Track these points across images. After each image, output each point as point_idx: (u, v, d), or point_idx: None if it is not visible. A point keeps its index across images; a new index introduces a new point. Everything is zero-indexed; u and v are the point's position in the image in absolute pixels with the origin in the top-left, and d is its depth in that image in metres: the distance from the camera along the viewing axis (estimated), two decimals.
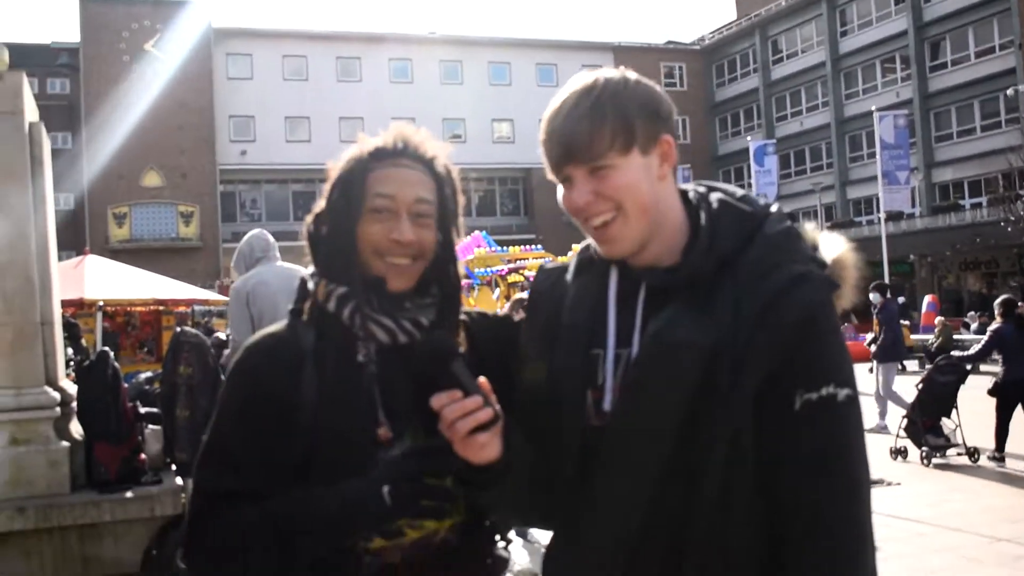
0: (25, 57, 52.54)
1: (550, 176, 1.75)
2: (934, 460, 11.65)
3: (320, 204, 1.89)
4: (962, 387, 12.01)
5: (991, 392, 11.59)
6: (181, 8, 52.24)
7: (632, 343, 1.68)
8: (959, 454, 11.70)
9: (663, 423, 1.60)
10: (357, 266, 1.79)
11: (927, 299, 35.80)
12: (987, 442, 11.60)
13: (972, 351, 12.68)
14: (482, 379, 1.60)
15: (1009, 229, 32.77)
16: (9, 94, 6.56)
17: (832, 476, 1.58)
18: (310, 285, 1.86)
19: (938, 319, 29.08)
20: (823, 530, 1.57)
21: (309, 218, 1.91)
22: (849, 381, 1.62)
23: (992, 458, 11.43)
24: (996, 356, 11.99)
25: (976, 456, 11.60)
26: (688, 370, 1.58)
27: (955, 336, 27.72)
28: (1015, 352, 11.49)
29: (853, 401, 1.61)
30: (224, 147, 53.19)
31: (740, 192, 1.79)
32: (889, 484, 10.50)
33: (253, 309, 6.17)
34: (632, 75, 1.75)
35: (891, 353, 14.37)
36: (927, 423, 11.77)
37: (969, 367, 12.41)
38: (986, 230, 39.13)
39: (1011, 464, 11.35)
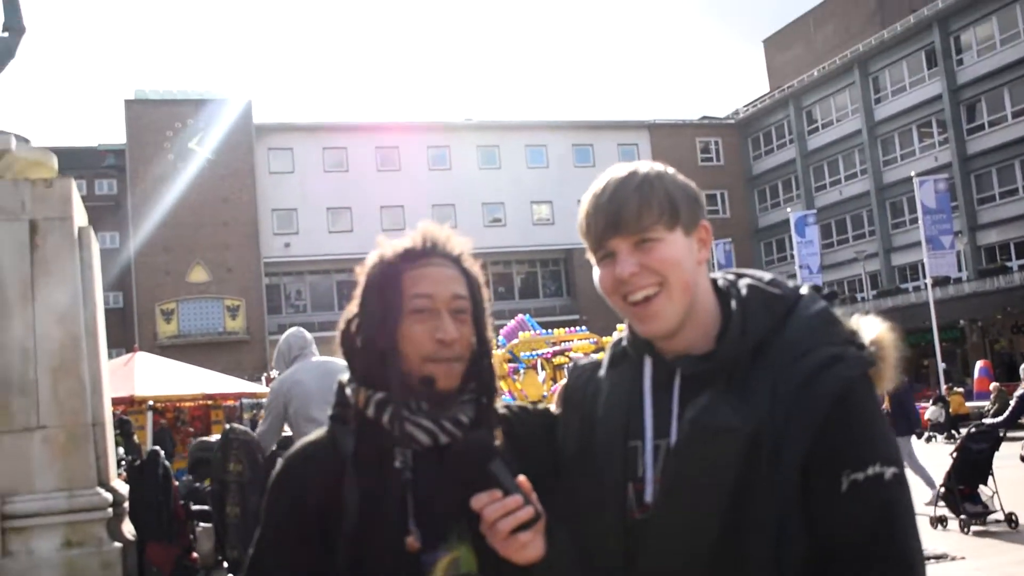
0: (73, 160, 53.87)
1: (589, 255, 1.76)
2: (973, 528, 11.59)
3: (351, 310, 1.88)
4: (996, 454, 12.08)
5: None
6: (223, 105, 53.39)
7: (670, 433, 1.67)
8: (997, 521, 11.69)
9: (707, 511, 1.58)
10: (399, 371, 1.77)
11: (979, 364, 35.22)
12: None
13: (1002, 417, 12.87)
14: (522, 478, 1.59)
15: None
16: (59, 200, 6.72)
17: (886, 558, 1.54)
18: (348, 391, 1.84)
19: (993, 385, 28.57)
20: None
21: (341, 323, 1.89)
22: (895, 459, 1.60)
23: None
24: None
25: (1015, 522, 11.56)
26: (729, 455, 1.57)
27: (1011, 401, 27.16)
28: None
29: (900, 479, 1.59)
30: (268, 240, 53.88)
31: (768, 276, 1.80)
32: (953, 559, 10.23)
33: (290, 409, 6.28)
34: (668, 167, 1.78)
35: (902, 427, 13.88)
36: (964, 491, 11.76)
37: (1002, 433, 12.42)
38: None
39: None
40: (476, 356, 1.84)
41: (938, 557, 10.25)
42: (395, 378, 1.76)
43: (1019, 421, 12.64)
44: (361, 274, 1.88)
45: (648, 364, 1.76)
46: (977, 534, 11.45)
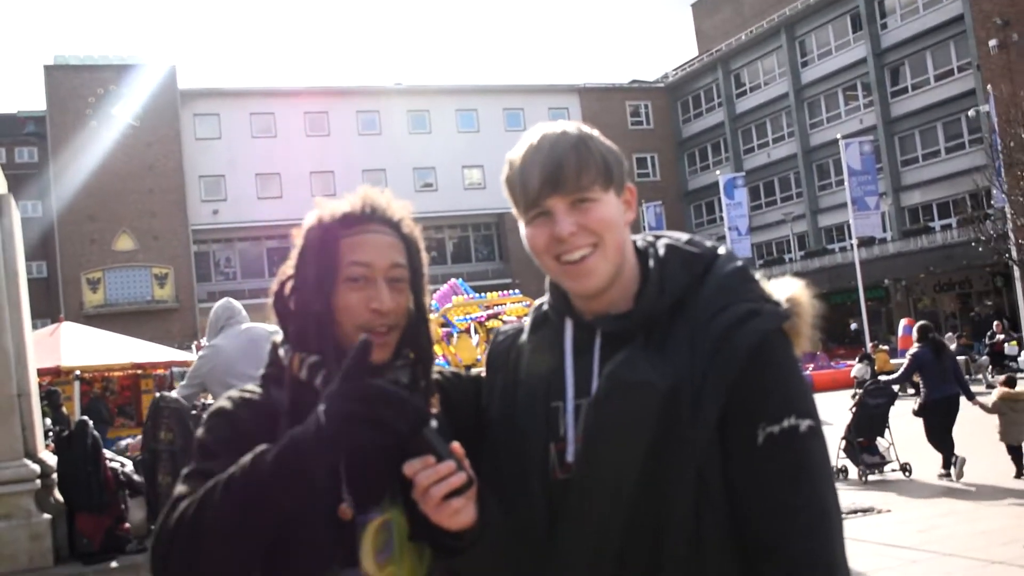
0: None
1: (516, 212, 1.74)
2: (870, 476, 12.64)
3: (286, 272, 1.85)
4: (892, 410, 13.11)
5: (916, 412, 12.70)
6: (146, 71, 52.33)
7: (591, 392, 1.67)
8: (893, 470, 12.77)
9: (626, 466, 1.59)
10: (333, 337, 1.74)
11: (903, 323, 35.99)
12: (920, 458, 12.71)
13: (896, 374, 13.67)
14: (455, 444, 1.57)
15: (980, 249, 33.04)
16: None
17: (800, 509, 1.56)
18: (281, 352, 1.82)
19: None
20: (794, 564, 1.55)
21: (274, 286, 1.86)
22: (810, 412, 1.62)
23: (942, 476, 12.19)
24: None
25: (909, 471, 12.59)
26: (647, 408, 1.58)
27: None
28: (932, 374, 12.46)
29: (815, 432, 1.61)
30: (195, 207, 53.14)
31: (686, 236, 1.81)
32: (879, 512, 10.49)
33: (210, 375, 6.45)
34: (593, 130, 1.77)
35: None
36: (863, 443, 12.75)
37: (897, 389, 13.60)
38: (958, 251, 39.49)
39: (996, 486, 11.39)
40: (414, 322, 1.82)
41: (865, 510, 10.51)
42: (329, 344, 1.73)
43: (912, 378, 13.47)
44: (298, 236, 1.84)
45: (569, 326, 1.77)
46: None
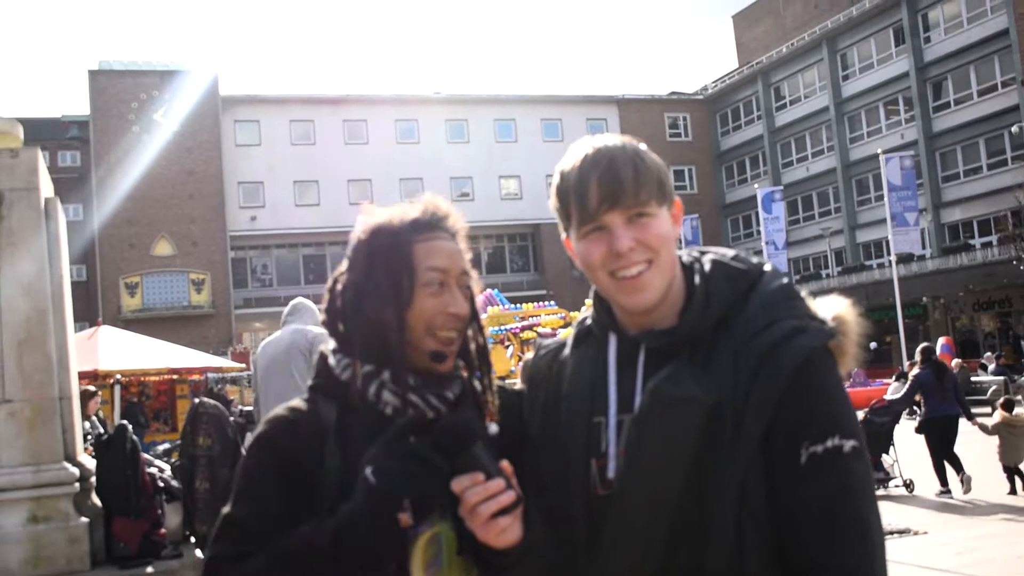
0: (36, 131, 53.15)
1: (566, 226, 1.74)
2: (877, 492, 12.67)
3: (346, 276, 1.81)
4: (897, 427, 13.70)
5: (917, 430, 13.41)
6: (189, 77, 52.82)
7: (634, 407, 1.66)
8: (896, 486, 13.24)
9: (668, 481, 1.58)
10: (403, 344, 1.73)
11: (941, 341, 35.52)
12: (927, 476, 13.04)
13: (900, 395, 14.29)
14: (504, 462, 1.58)
15: (1022, 267, 32.65)
16: (25, 171, 6.62)
17: (843, 529, 1.56)
18: (331, 361, 1.79)
19: (955, 361, 28.89)
20: None
21: (328, 292, 1.83)
22: (854, 432, 1.61)
23: (939, 494, 12.63)
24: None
25: (912, 487, 13.09)
26: (690, 424, 1.57)
27: (973, 378, 27.54)
28: (934, 395, 12.99)
29: (859, 452, 1.60)
30: (234, 213, 53.50)
31: (732, 252, 1.80)
32: (916, 533, 10.37)
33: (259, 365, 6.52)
34: (641, 143, 1.77)
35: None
36: (871, 460, 12.73)
37: (902, 409, 14.28)
38: (998, 269, 39.03)
39: None
40: (469, 333, 1.83)
41: (901, 532, 10.40)
42: (399, 351, 1.72)
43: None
44: (361, 241, 1.81)
45: (613, 340, 1.76)
46: (937, 507, 11.98)
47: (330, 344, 1.84)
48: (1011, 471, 12.35)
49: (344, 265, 1.84)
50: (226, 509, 1.73)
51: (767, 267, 1.77)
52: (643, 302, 1.70)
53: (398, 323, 1.72)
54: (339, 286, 1.83)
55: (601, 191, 1.67)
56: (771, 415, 1.57)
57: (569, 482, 1.70)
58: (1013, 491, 12.27)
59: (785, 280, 1.73)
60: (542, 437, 1.78)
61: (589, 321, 1.85)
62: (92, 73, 52.23)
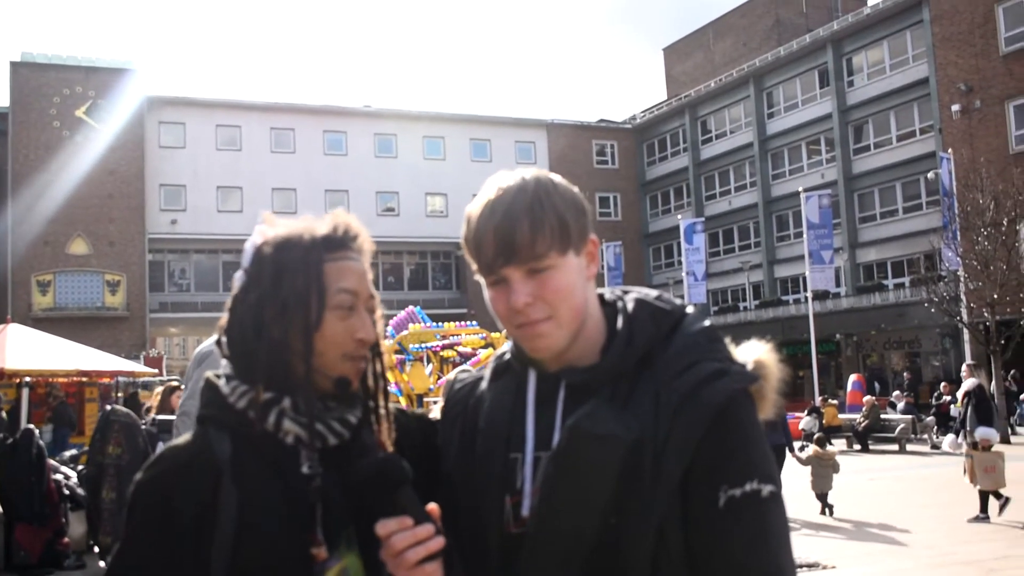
0: None
1: (477, 276, 1.69)
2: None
3: (243, 293, 1.71)
4: None
5: None
6: (114, 75, 51.82)
7: (552, 445, 1.63)
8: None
9: (584, 521, 1.56)
10: (310, 369, 1.66)
11: (852, 378, 36.39)
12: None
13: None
14: (432, 506, 1.54)
15: (932, 310, 33.52)
16: None
17: (758, 572, 1.55)
18: (224, 389, 1.69)
19: (866, 398, 29.52)
20: None
21: (231, 311, 1.73)
22: (772, 477, 1.60)
23: None
24: None
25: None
26: (609, 462, 1.55)
27: (881, 416, 28.14)
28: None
29: (776, 497, 1.60)
30: (154, 215, 52.57)
31: (655, 292, 1.79)
32: (824, 567, 10.53)
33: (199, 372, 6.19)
34: (554, 176, 1.72)
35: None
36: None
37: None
38: (910, 310, 40.01)
39: (947, 549, 11.49)
40: (370, 355, 1.78)
41: (810, 566, 10.54)
42: (302, 377, 1.65)
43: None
44: (265, 254, 1.70)
45: (532, 376, 1.74)
46: (851, 538, 12.37)
47: (220, 369, 1.74)
48: (822, 497, 14.23)
49: (241, 279, 1.74)
50: (108, 567, 1.65)
51: (689, 308, 1.76)
52: (543, 351, 1.68)
53: (305, 347, 1.65)
54: (239, 304, 1.72)
55: (496, 246, 1.63)
56: (691, 457, 1.56)
57: (483, 518, 1.67)
58: (823, 513, 14.06)
59: (707, 322, 1.73)
60: (457, 472, 1.75)
61: (508, 356, 1.82)
62: (13, 64, 50.94)
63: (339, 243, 1.73)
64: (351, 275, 1.71)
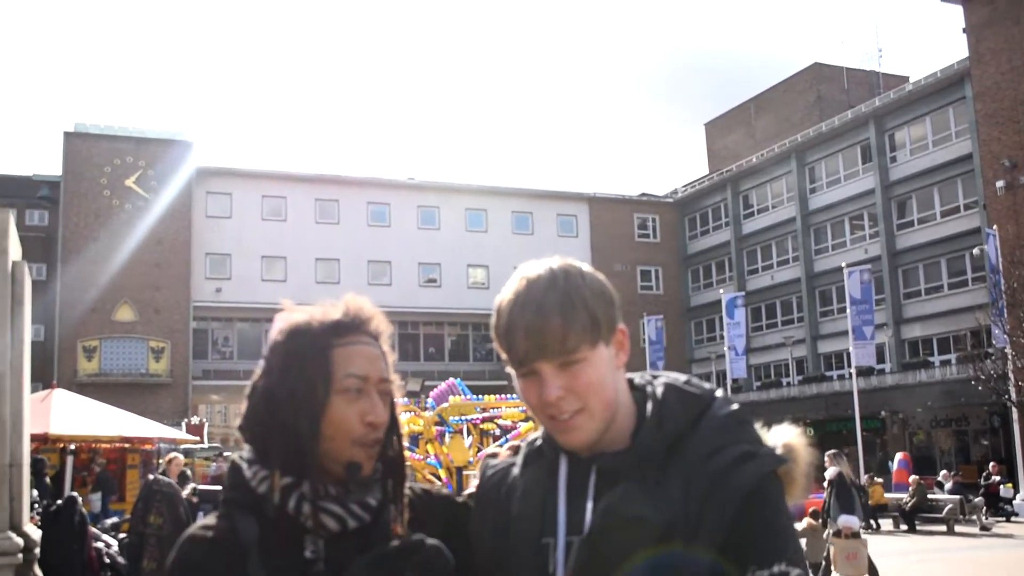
0: (5, 188, 53.06)
1: (509, 368, 1.71)
2: None
3: (259, 380, 1.75)
4: None
5: None
6: (164, 146, 52.93)
7: (584, 529, 1.64)
8: None
9: None
10: (316, 454, 1.68)
11: (898, 457, 35.75)
12: None
13: None
14: None
15: (980, 388, 32.99)
16: None
17: None
18: (247, 472, 1.72)
19: (912, 477, 28.99)
20: None
21: (249, 397, 1.76)
22: (799, 560, 1.60)
23: None
24: None
25: None
26: (641, 545, 1.56)
27: (929, 495, 27.60)
28: None
29: None
30: (199, 284, 53.22)
31: (684, 377, 1.81)
32: None
33: None
34: (582, 265, 1.74)
35: None
36: None
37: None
38: (956, 387, 39.39)
39: None
40: (386, 437, 1.78)
41: None
42: (313, 461, 1.67)
43: None
44: (277, 343, 1.75)
45: (564, 461, 1.75)
46: None
47: (244, 454, 1.77)
48: (815, 566, 14.35)
49: (260, 368, 1.77)
50: None
51: (718, 393, 1.77)
52: (575, 442, 1.69)
53: (311, 431, 1.67)
54: (256, 391, 1.75)
55: (527, 342, 1.65)
56: (723, 539, 1.56)
57: None
58: None
59: (736, 406, 1.74)
60: (491, 558, 1.75)
61: (539, 442, 1.83)
62: (67, 135, 52.22)
63: (348, 328, 1.75)
64: (360, 359, 1.73)
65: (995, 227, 35.38)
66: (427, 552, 1.67)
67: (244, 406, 1.77)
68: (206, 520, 1.71)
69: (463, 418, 20.73)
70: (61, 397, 19.37)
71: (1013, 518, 28.88)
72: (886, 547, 13.09)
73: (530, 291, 1.67)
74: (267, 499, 1.67)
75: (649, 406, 1.73)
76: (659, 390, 1.75)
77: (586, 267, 1.74)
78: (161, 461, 28.10)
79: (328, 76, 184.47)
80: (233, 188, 54.86)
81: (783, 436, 1.75)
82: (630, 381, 1.80)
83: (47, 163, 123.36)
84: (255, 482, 1.70)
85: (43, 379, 37.93)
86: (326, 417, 1.67)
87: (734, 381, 46.56)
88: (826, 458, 18.25)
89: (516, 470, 1.85)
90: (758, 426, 1.75)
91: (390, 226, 56.82)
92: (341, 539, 1.67)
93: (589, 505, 1.66)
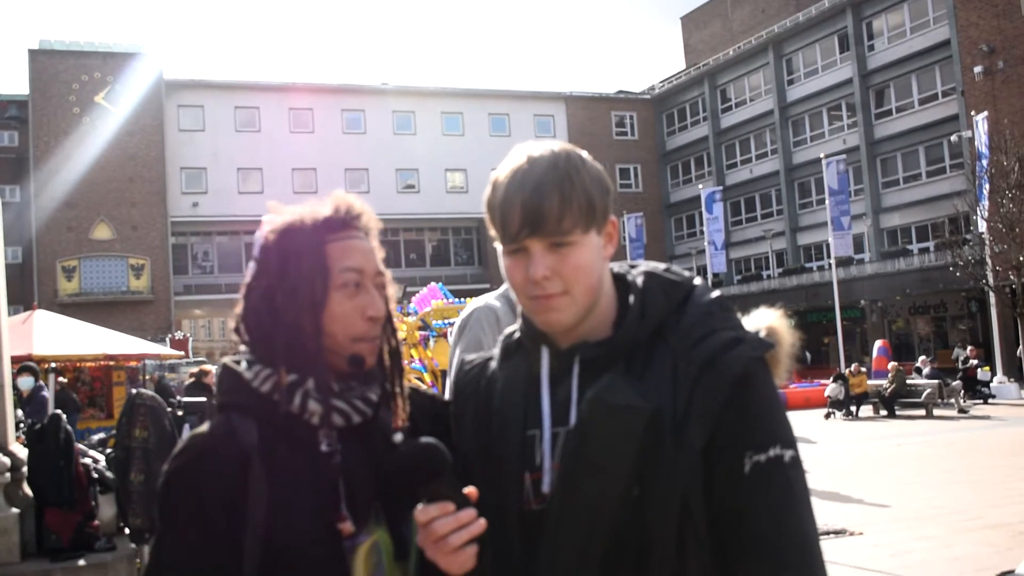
0: None
1: (493, 236, 1.69)
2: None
3: (255, 280, 1.73)
4: None
5: None
6: (132, 59, 51.99)
7: (569, 419, 1.62)
8: None
9: (607, 493, 1.55)
10: (322, 349, 1.67)
11: (878, 344, 36.24)
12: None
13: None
14: (471, 489, 1.54)
15: (957, 273, 33.28)
16: None
17: (784, 537, 1.55)
18: (246, 375, 1.69)
19: (891, 364, 29.40)
20: None
21: (244, 298, 1.74)
22: (792, 442, 1.61)
23: None
24: None
25: None
26: (630, 434, 1.54)
27: (908, 380, 28.03)
28: None
29: (797, 462, 1.60)
30: (175, 199, 52.82)
31: (663, 265, 1.78)
32: (851, 534, 10.50)
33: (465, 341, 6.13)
34: (583, 152, 1.71)
35: None
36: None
37: None
38: (934, 274, 39.75)
39: (974, 513, 11.45)
40: (383, 331, 1.78)
41: (837, 532, 10.52)
42: (319, 357, 1.67)
43: None
44: (270, 241, 1.73)
45: (545, 353, 1.73)
46: (878, 504, 12.20)
47: (240, 356, 1.75)
48: None
49: (253, 269, 1.75)
50: (149, 560, 1.67)
51: (697, 280, 1.75)
52: (554, 322, 1.67)
53: (314, 328, 1.66)
54: (252, 292, 1.74)
55: (523, 217, 1.61)
56: (713, 425, 1.56)
57: (503, 497, 1.66)
58: None
59: (718, 293, 1.72)
60: (472, 452, 1.74)
61: (518, 334, 1.80)
62: (32, 52, 51.19)
63: (341, 224, 1.74)
64: (355, 253, 1.72)
65: (985, 112, 34.68)
66: None
67: (240, 307, 1.75)
68: (203, 428, 1.69)
69: (446, 321, 20.79)
70: (43, 318, 19.35)
71: (990, 400, 29.40)
72: (866, 432, 13.22)
73: (531, 169, 1.64)
74: (269, 398, 1.66)
75: (631, 295, 1.71)
76: (640, 279, 1.73)
77: (586, 155, 1.71)
78: (147, 378, 28.17)
79: None
80: (204, 100, 54.12)
81: (765, 319, 1.74)
82: (610, 271, 1.77)
83: (14, 83, 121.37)
84: (257, 382, 1.68)
85: (23, 301, 37.80)
86: (327, 312, 1.67)
87: (715, 276, 46.77)
88: None
89: (494, 364, 1.83)
90: (737, 313, 1.73)
91: (365, 133, 56.30)
92: (342, 433, 1.69)
93: (574, 396, 1.64)
